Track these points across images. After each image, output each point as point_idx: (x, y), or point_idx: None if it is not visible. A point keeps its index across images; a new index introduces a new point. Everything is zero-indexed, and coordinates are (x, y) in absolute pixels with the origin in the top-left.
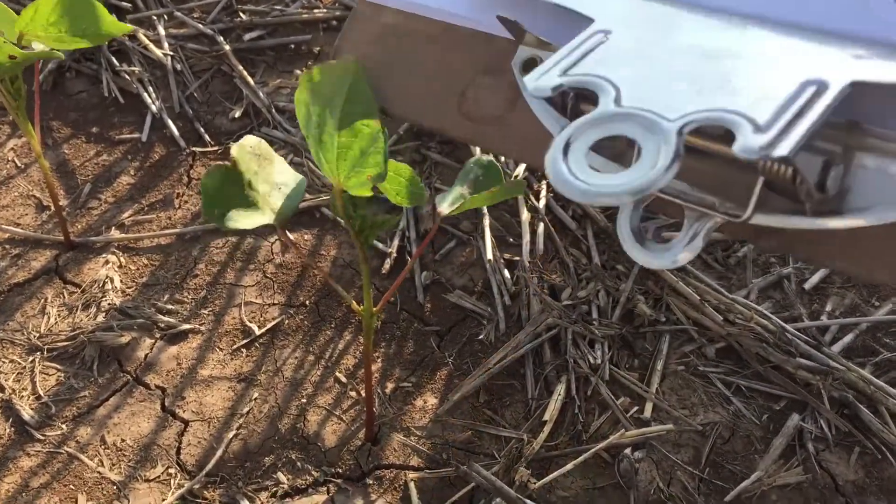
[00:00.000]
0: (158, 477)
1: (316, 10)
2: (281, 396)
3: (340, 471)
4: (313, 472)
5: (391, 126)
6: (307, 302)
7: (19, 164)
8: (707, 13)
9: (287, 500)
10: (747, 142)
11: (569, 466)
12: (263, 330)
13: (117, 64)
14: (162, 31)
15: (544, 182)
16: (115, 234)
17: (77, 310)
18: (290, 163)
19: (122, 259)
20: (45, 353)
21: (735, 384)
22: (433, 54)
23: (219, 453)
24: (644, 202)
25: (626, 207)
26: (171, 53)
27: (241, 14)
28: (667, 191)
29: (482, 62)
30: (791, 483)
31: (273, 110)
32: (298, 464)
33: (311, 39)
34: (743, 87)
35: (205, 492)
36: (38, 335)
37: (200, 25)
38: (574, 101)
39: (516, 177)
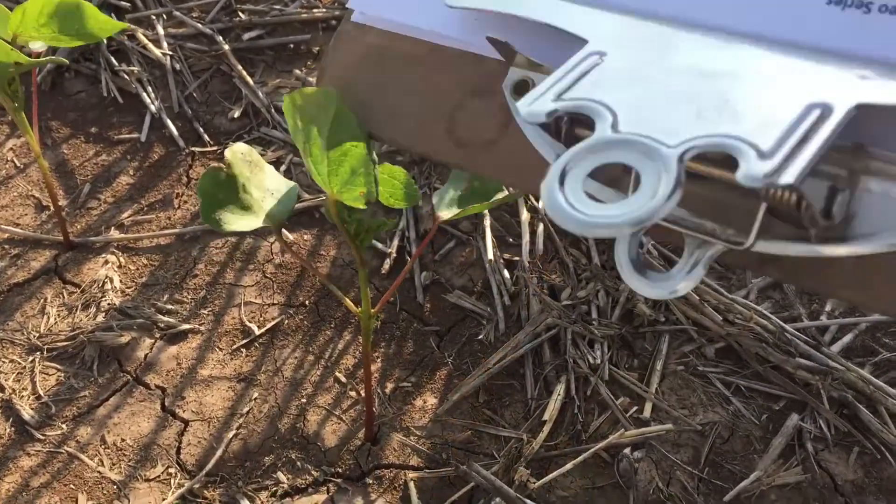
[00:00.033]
0: (158, 476)
1: (315, 10)
2: (281, 396)
3: (340, 470)
4: (313, 472)
5: None
6: (307, 302)
7: (18, 164)
8: (704, 32)
9: (287, 499)
10: (751, 169)
11: (568, 466)
12: (263, 330)
13: (116, 64)
14: (161, 30)
15: None
16: (114, 234)
17: (77, 310)
18: (290, 163)
19: (121, 259)
20: (45, 352)
21: (734, 384)
22: (420, 76)
23: (219, 453)
24: (643, 230)
25: (624, 236)
26: (170, 53)
27: (240, 13)
28: (665, 217)
29: (471, 84)
30: (790, 483)
31: (272, 110)
32: (298, 463)
33: (311, 39)
34: (744, 111)
35: (205, 491)
36: (37, 335)
37: (199, 25)
38: (568, 125)
39: None
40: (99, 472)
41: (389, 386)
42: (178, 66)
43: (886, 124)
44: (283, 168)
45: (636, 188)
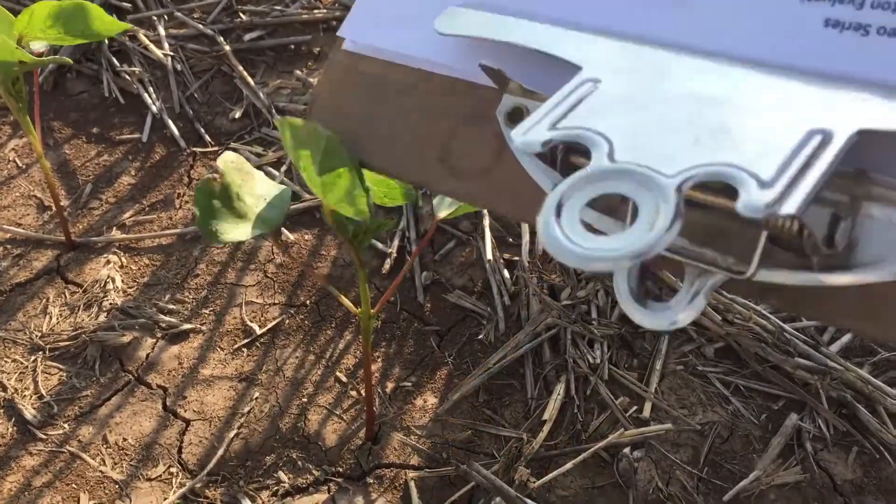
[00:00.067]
0: (160, 476)
1: (316, 11)
2: (282, 396)
3: (341, 470)
4: (314, 472)
5: None
6: (308, 302)
7: (20, 165)
8: (700, 56)
9: (288, 499)
10: (752, 199)
11: (568, 466)
12: (264, 329)
13: (118, 64)
14: (162, 31)
15: None
16: (116, 234)
17: (79, 310)
18: (291, 163)
19: (123, 259)
20: (47, 352)
21: (734, 384)
22: (413, 104)
23: (220, 452)
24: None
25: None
26: (172, 54)
27: (241, 14)
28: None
29: (465, 112)
30: (789, 482)
31: (273, 111)
32: (299, 463)
33: (311, 40)
34: (743, 138)
35: (206, 491)
36: (39, 335)
37: (201, 26)
38: (564, 153)
39: None
40: (101, 471)
41: (390, 385)
42: (179, 67)
43: (888, 149)
44: (283, 168)
45: (634, 218)
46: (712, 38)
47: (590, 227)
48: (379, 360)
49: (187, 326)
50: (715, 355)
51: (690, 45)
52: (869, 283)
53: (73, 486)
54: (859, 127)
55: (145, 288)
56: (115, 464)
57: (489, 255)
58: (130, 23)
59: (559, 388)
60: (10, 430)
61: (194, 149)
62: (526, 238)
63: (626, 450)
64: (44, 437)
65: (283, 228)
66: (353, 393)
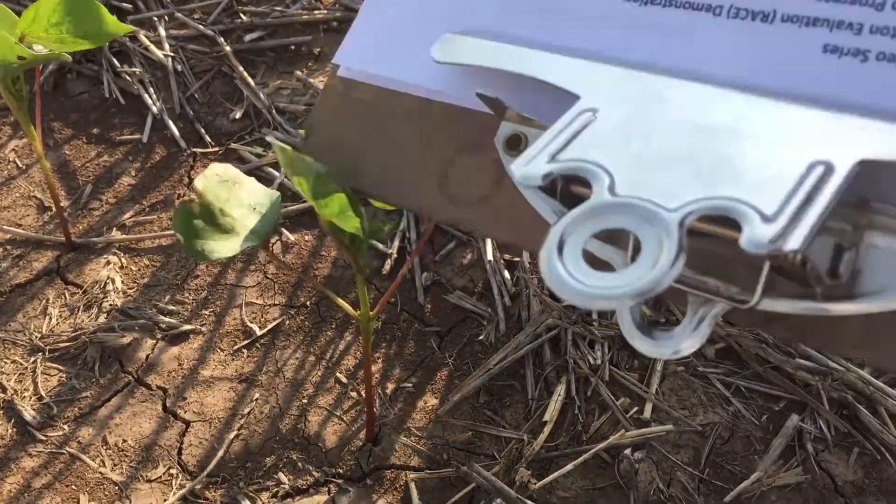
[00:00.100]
0: (160, 477)
1: (316, 12)
2: (282, 397)
3: (341, 471)
4: (314, 473)
5: None
6: (308, 302)
7: (20, 165)
8: (699, 82)
9: (288, 500)
10: (755, 235)
11: (569, 467)
12: (264, 330)
13: (118, 65)
14: (163, 32)
15: None
16: (116, 234)
17: (78, 310)
18: None
19: (123, 260)
20: (47, 353)
21: (735, 385)
22: (410, 131)
23: (220, 454)
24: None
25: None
26: (172, 54)
27: (242, 15)
28: None
29: (462, 139)
30: (790, 483)
31: (273, 111)
32: (299, 464)
33: (312, 40)
34: (744, 170)
35: (206, 492)
36: (39, 336)
37: (201, 27)
38: (564, 183)
39: None
40: (100, 472)
41: (390, 387)
42: (179, 68)
43: (890, 178)
44: (282, 169)
45: (636, 250)
46: (711, 63)
47: (592, 259)
48: (379, 360)
49: (187, 327)
50: (716, 356)
51: (689, 71)
52: (872, 312)
53: (73, 487)
54: (860, 158)
55: (145, 289)
56: (115, 465)
57: (489, 256)
58: (131, 23)
59: (560, 389)
60: (10, 431)
61: (195, 149)
62: None
63: (627, 451)
64: (43, 438)
65: (282, 229)
66: (354, 394)
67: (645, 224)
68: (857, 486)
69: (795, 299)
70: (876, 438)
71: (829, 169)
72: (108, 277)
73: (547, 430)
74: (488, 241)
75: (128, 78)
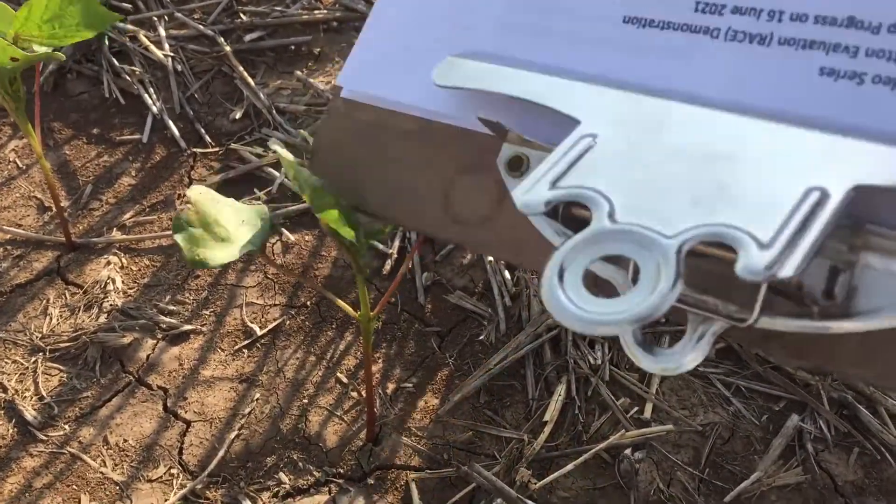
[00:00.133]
0: (161, 477)
1: (316, 12)
2: (282, 397)
3: (342, 471)
4: (315, 473)
5: None
6: (308, 302)
7: (21, 166)
8: (697, 105)
9: (289, 500)
10: (751, 262)
11: (569, 467)
12: (265, 330)
13: (118, 65)
14: (163, 32)
15: None
16: (116, 234)
17: (79, 311)
18: None
19: (123, 260)
20: (48, 353)
21: (735, 385)
22: (413, 152)
23: (221, 454)
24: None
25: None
26: (172, 54)
27: (242, 15)
28: None
29: (465, 159)
30: (790, 483)
31: (273, 111)
32: (300, 464)
33: (312, 40)
34: (742, 197)
35: (207, 492)
36: (40, 336)
37: (201, 26)
38: (565, 205)
39: None
40: (101, 472)
41: (391, 387)
42: (179, 68)
43: (884, 201)
44: (283, 170)
45: (636, 271)
46: (709, 86)
47: (595, 279)
48: (380, 361)
49: (188, 327)
50: (716, 356)
51: (687, 93)
52: (868, 330)
53: (74, 487)
54: (855, 183)
55: (146, 289)
56: (116, 465)
57: (490, 257)
58: (131, 23)
59: (560, 389)
60: (11, 431)
61: (195, 149)
62: None
63: (628, 451)
64: (44, 438)
65: (283, 229)
66: (354, 394)
67: (643, 251)
68: (857, 486)
69: (792, 318)
70: (876, 438)
71: (824, 195)
72: (109, 277)
73: (547, 429)
74: None
75: (128, 78)
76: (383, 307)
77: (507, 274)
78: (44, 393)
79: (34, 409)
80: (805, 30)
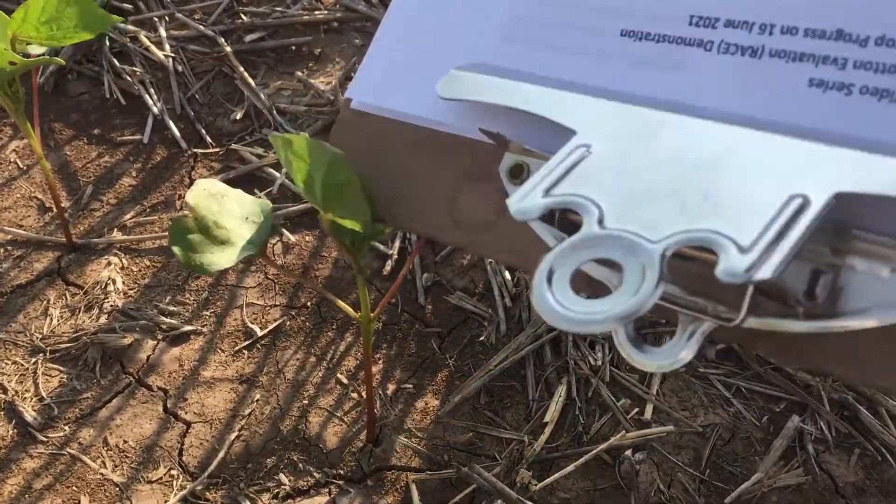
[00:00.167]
0: (161, 478)
1: (317, 12)
2: (282, 398)
3: (342, 472)
4: (315, 474)
5: None
6: (309, 303)
7: (21, 166)
8: (689, 116)
9: (289, 501)
10: (731, 265)
11: (570, 468)
12: (265, 331)
13: (119, 65)
14: (163, 32)
15: None
16: (116, 235)
17: (79, 311)
18: None
19: (123, 260)
20: (48, 354)
21: (735, 386)
22: (420, 161)
23: (221, 455)
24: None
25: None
26: (173, 55)
27: (242, 16)
28: (661, 296)
29: (469, 168)
30: (791, 484)
31: (274, 112)
32: (300, 465)
33: (312, 41)
34: (726, 204)
35: (207, 493)
36: (40, 337)
37: (202, 27)
38: (562, 211)
39: None
40: (101, 473)
41: (391, 387)
42: (180, 68)
43: (867, 206)
44: (283, 170)
45: (622, 278)
46: (702, 97)
47: (589, 280)
48: (380, 361)
49: (188, 328)
50: (716, 357)
51: (681, 104)
52: (853, 329)
53: (74, 488)
54: (836, 190)
55: (146, 289)
56: (116, 466)
57: (492, 260)
58: (131, 24)
59: (560, 390)
60: (11, 432)
61: (195, 150)
62: None
63: (628, 452)
64: (44, 439)
65: (283, 230)
66: (354, 395)
67: (629, 255)
68: (857, 487)
69: (778, 318)
70: (877, 439)
71: (806, 202)
72: (109, 278)
73: (548, 431)
74: None
75: (128, 78)
76: (384, 308)
77: (507, 275)
78: (44, 394)
79: (34, 411)
80: (795, 43)
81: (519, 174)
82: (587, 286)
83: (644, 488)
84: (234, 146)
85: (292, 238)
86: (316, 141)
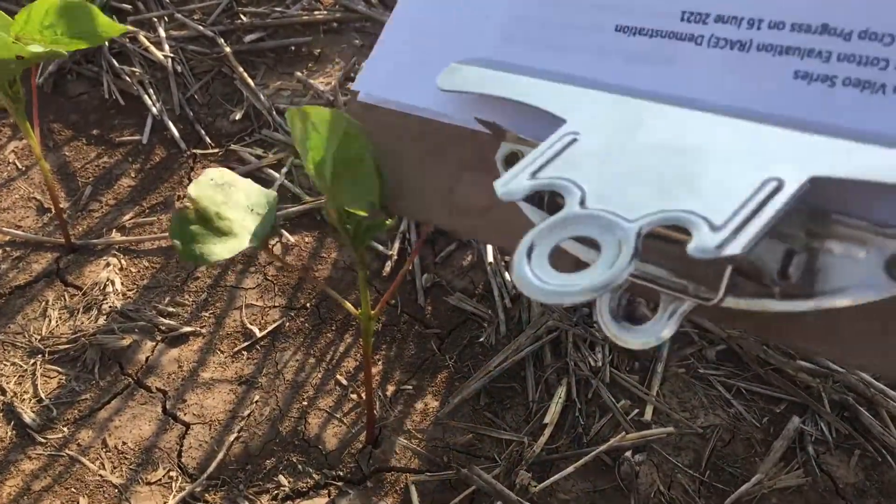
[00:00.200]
0: (160, 480)
1: (316, 12)
2: (282, 399)
3: (341, 473)
4: (314, 475)
5: None
6: (308, 304)
7: (20, 167)
8: (677, 107)
9: (288, 502)
10: (702, 241)
11: (569, 469)
12: (264, 332)
13: (118, 66)
14: (163, 33)
15: None
16: (115, 236)
17: (78, 312)
18: (292, 165)
19: (122, 261)
20: (47, 355)
21: (735, 387)
22: (422, 150)
23: (220, 456)
24: (620, 288)
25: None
26: (172, 55)
27: (242, 16)
28: (641, 276)
29: (468, 157)
30: (791, 486)
31: (273, 112)
32: (299, 466)
33: (312, 41)
34: (704, 186)
35: (206, 495)
36: (39, 338)
37: (201, 27)
38: (550, 195)
39: None
40: (100, 475)
41: (390, 388)
42: (179, 69)
43: (843, 190)
44: (283, 170)
45: (600, 254)
46: (692, 88)
47: (577, 262)
48: (379, 362)
49: (187, 329)
50: (716, 358)
51: (671, 95)
52: (828, 308)
53: (73, 490)
54: (811, 174)
55: (145, 290)
56: (115, 468)
57: (490, 258)
58: (131, 24)
59: (560, 392)
60: (10, 433)
61: (195, 150)
62: None
63: (628, 453)
64: (43, 440)
65: (282, 230)
66: (354, 396)
67: (606, 233)
68: (858, 488)
69: (755, 297)
70: (877, 440)
71: (780, 185)
72: (108, 279)
73: (547, 432)
74: (489, 244)
75: (127, 79)
76: (383, 308)
77: (507, 276)
78: (42, 395)
79: (33, 412)
80: (782, 36)
81: (514, 162)
82: (575, 269)
83: (644, 490)
84: (233, 147)
85: (291, 239)
86: (335, 111)
